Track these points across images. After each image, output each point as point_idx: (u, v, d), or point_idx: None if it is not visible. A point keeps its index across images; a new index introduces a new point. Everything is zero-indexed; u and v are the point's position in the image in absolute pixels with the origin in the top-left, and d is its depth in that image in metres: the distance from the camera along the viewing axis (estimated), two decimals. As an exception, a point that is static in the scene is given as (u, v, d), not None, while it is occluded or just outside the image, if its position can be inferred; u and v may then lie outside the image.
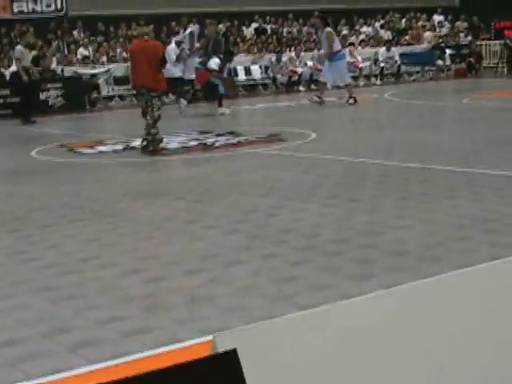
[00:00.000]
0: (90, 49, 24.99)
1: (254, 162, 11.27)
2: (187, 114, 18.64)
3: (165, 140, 12.93)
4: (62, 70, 23.06)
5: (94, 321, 4.86)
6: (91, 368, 4.14)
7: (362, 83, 26.32)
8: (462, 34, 31.11)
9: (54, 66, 23.05)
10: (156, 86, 12.74)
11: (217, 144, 13.30)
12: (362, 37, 29.36)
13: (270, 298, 5.12)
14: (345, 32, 29.16)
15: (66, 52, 24.82)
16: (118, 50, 24.91)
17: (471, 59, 29.22)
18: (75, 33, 26.27)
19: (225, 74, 20.60)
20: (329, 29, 19.85)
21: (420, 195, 8.10)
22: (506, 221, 6.83)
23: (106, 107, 22.26)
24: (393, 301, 2.28)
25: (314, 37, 27.66)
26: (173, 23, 26.97)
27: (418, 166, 9.84)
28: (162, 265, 6.05)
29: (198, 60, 20.14)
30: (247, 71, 25.49)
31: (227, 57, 21.14)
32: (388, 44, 28.14)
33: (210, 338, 1.86)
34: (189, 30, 22.61)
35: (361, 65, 26.79)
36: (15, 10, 25.40)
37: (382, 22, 31.82)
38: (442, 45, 29.26)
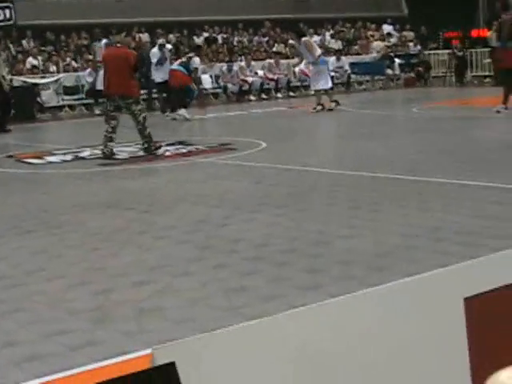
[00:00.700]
0: (40, 58, 24.79)
1: (205, 171, 11.25)
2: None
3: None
4: (11, 80, 22.81)
5: (41, 334, 4.80)
6: (36, 382, 4.08)
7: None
8: (410, 44, 31.43)
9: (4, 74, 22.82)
10: (129, 92, 12.98)
11: (167, 154, 13.26)
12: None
13: (219, 309, 5.10)
14: (290, 42, 29.40)
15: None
16: (68, 59, 24.73)
17: (420, 68, 29.54)
18: (24, 42, 26.04)
19: None
20: (304, 38, 20.30)
21: (369, 204, 8.14)
22: (454, 229, 6.88)
23: (55, 117, 22.05)
24: (339, 310, 2.28)
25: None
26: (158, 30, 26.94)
27: (368, 175, 9.89)
28: (110, 276, 6.00)
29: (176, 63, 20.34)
30: (198, 81, 25.45)
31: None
32: (338, 53, 28.33)
33: (150, 353, 1.83)
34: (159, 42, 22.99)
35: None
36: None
37: (331, 31, 32.04)
38: (392, 54, 29.53)
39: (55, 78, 23.26)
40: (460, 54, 27.84)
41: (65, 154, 13.89)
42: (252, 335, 2.07)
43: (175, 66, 20.73)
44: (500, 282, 2.41)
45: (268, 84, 26.42)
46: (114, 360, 4.26)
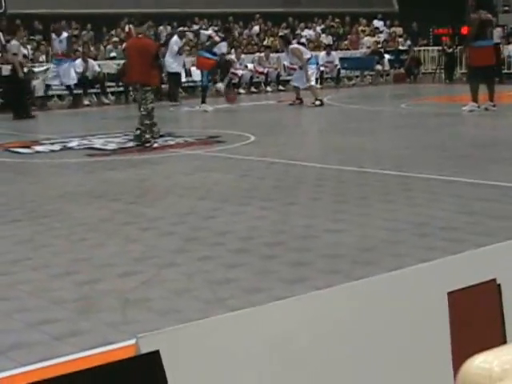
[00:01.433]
0: (29, 47, 24.68)
1: (192, 163, 11.25)
2: (126, 114, 18.55)
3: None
4: (0, 69, 22.71)
5: (26, 323, 4.80)
6: (21, 370, 4.08)
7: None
8: (400, 40, 31.46)
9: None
10: (149, 81, 13.71)
11: (155, 145, 13.24)
12: (302, 40, 29.48)
13: (204, 301, 5.11)
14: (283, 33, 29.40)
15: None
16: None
17: (410, 64, 29.58)
18: (14, 31, 25.92)
19: None
20: (292, 46, 20.70)
21: (356, 199, 8.17)
22: (439, 224, 6.92)
23: (43, 107, 21.96)
24: (323, 302, 2.29)
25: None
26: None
27: (355, 169, 9.92)
28: (96, 267, 6.00)
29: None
30: (187, 73, 25.39)
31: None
32: (328, 48, 28.33)
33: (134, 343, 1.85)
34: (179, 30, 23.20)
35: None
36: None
37: (322, 26, 32.05)
38: (381, 50, 29.56)
39: (44, 68, 23.14)
40: (450, 50, 27.88)
41: (53, 143, 13.85)
42: (236, 325, 2.08)
43: (202, 51, 20.98)
44: (483, 277, 2.43)
45: (258, 77, 26.40)
46: (98, 349, 4.27)
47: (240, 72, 25.79)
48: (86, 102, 22.55)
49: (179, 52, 22.46)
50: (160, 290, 5.37)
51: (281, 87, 26.63)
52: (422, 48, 31.45)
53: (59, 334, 4.59)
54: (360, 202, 8.00)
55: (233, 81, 25.56)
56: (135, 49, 13.98)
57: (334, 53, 28.22)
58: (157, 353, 1.79)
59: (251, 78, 26.02)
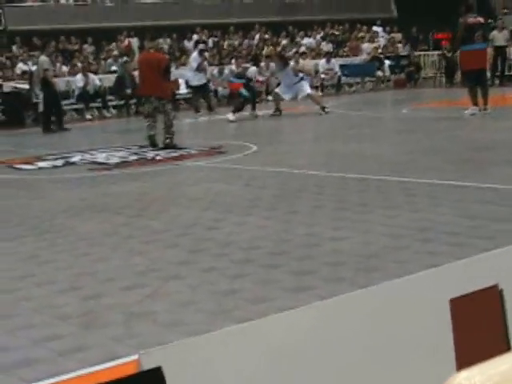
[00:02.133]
0: (30, 63, 24.74)
1: (195, 175, 11.26)
2: (128, 127, 18.59)
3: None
4: (1, 86, 22.79)
5: (30, 340, 4.80)
6: (27, 388, 4.08)
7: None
8: (399, 45, 31.48)
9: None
10: (161, 93, 14.38)
11: (158, 158, 13.26)
12: (302, 49, 29.53)
13: (209, 313, 5.11)
14: (284, 42, 29.49)
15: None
16: (58, 64, 24.69)
17: (410, 69, 29.61)
18: (14, 48, 26.01)
19: None
20: (292, 64, 20.93)
21: (358, 206, 8.16)
22: (442, 229, 6.91)
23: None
24: (328, 312, 2.29)
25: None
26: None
27: (356, 176, 9.92)
28: (100, 281, 6.00)
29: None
30: (188, 84, 25.40)
31: None
32: (328, 56, 28.35)
33: (137, 359, 1.84)
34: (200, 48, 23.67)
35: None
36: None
37: (322, 33, 32.08)
38: (381, 56, 29.58)
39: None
40: (449, 55, 27.89)
41: (55, 159, 13.86)
42: (238, 338, 2.08)
43: (232, 78, 23.02)
44: (485, 283, 2.43)
45: (258, 87, 26.40)
46: (102, 366, 4.26)
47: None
48: (88, 117, 22.58)
49: (198, 69, 22.70)
50: (165, 303, 5.37)
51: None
52: (422, 53, 31.47)
53: (64, 350, 4.59)
54: (362, 209, 8.00)
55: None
56: (146, 63, 14.63)
57: (333, 60, 28.25)
58: (159, 369, 1.79)
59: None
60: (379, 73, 28.82)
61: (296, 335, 2.20)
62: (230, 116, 19.26)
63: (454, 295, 2.39)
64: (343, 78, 28.38)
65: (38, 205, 9.50)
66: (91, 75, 23.34)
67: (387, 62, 29.32)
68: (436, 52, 30.37)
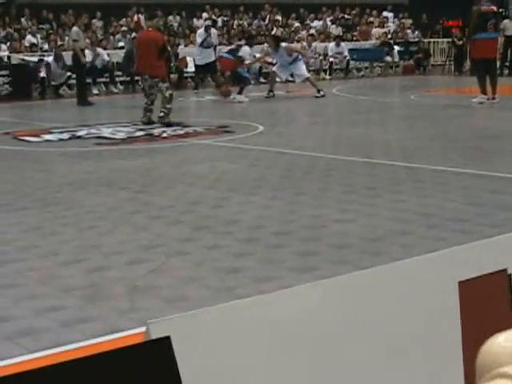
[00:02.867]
0: (38, 36, 24.69)
1: (201, 153, 11.25)
2: (134, 104, 18.53)
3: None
4: (9, 57, 22.74)
5: (34, 310, 4.81)
6: (30, 357, 4.09)
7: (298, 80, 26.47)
8: (409, 31, 31.34)
9: (1, 53, 22.75)
10: (156, 72, 14.40)
11: (164, 135, 13.25)
12: (311, 31, 29.44)
13: (212, 289, 5.11)
14: (297, 25, 29.40)
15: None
16: (67, 38, 24.60)
17: (419, 56, 29.51)
18: (23, 20, 25.94)
19: None
20: (284, 44, 20.96)
21: (364, 189, 8.16)
22: (447, 215, 6.91)
23: (53, 95, 21.97)
24: (335, 290, 2.29)
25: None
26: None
27: (363, 160, 9.90)
28: (104, 255, 6.00)
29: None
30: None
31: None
32: (338, 39, 28.25)
33: (145, 329, 1.84)
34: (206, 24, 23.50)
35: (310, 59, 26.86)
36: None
37: (331, 17, 31.96)
38: (391, 41, 29.47)
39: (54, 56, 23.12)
40: (459, 42, 27.77)
41: (62, 132, 13.85)
42: (246, 312, 2.08)
43: (223, 53, 22.17)
44: (494, 267, 2.42)
45: (266, 68, 26.32)
46: (107, 337, 4.27)
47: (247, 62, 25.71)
48: (96, 91, 22.54)
49: (202, 45, 22.46)
50: (168, 278, 5.37)
51: (290, 78, 26.56)
52: (432, 40, 31.34)
53: (67, 321, 4.60)
54: (368, 193, 7.99)
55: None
56: (144, 41, 14.81)
57: (343, 44, 28.14)
58: (167, 339, 1.79)
59: (260, 68, 25.94)
60: (388, 58, 28.73)
61: (301, 311, 2.20)
62: (239, 97, 19.26)
63: (462, 278, 2.38)
64: (352, 62, 28.28)
65: (43, 177, 9.50)
66: (100, 50, 23.28)
67: (396, 48, 29.20)
68: (446, 39, 30.24)
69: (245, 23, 29.78)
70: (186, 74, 24.70)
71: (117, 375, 1.70)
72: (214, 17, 29.40)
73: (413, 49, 29.91)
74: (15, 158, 11.16)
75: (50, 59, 22.00)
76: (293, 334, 2.12)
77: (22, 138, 13.22)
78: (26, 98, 20.99)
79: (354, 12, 32.99)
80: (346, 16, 32.60)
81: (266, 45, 26.47)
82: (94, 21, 26.58)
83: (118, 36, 25.48)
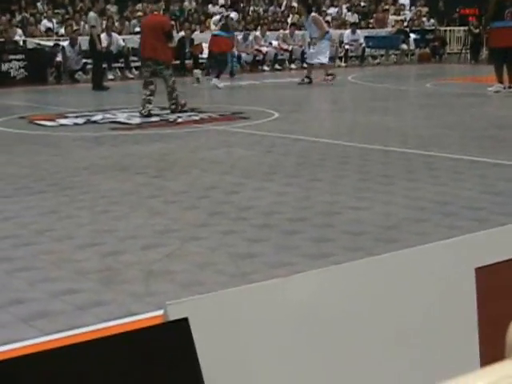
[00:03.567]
0: (54, 21, 24.71)
1: (216, 139, 11.25)
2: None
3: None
4: (25, 42, 22.77)
5: (49, 293, 4.83)
6: (45, 339, 4.11)
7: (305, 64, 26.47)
8: (424, 19, 31.20)
9: (17, 37, 22.77)
10: (162, 57, 13.78)
11: (179, 120, 13.26)
12: (327, 18, 29.35)
13: (227, 275, 5.13)
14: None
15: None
16: (82, 23, 24.62)
17: (435, 44, 29.39)
18: (39, 5, 25.96)
19: None
20: (313, 14, 20.43)
21: (379, 177, 8.14)
22: (463, 204, 6.89)
23: (69, 80, 22.01)
24: (348, 275, 2.29)
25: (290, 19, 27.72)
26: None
27: (379, 148, 9.89)
28: (120, 239, 6.02)
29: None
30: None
31: None
32: (353, 26, 28.17)
33: (163, 311, 1.85)
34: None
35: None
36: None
37: (348, 4, 31.87)
38: (407, 29, 29.36)
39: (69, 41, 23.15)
40: (476, 31, 27.65)
41: (77, 117, 13.89)
42: (261, 296, 2.09)
43: (216, 31, 21.55)
44: (511, 254, 2.42)
45: (282, 55, 26.30)
46: (122, 320, 4.29)
47: (265, 49, 25.71)
48: (111, 77, 22.55)
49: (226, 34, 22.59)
50: (183, 263, 5.39)
51: (305, 65, 26.54)
52: (448, 28, 31.20)
53: (82, 304, 4.62)
54: (384, 180, 7.98)
55: (257, 58, 25.51)
56: (149, 25, 14.18)
57: (359, 31, 28.07)
58: (185, 320, 1.80)
59: (275, 55, 25.92)
60: (404, 46, 28.62)
61: (318, 295, 2.20)
62: (216, 81, 19.40)
63: (479, 265, 2.38)
64: (367, 50, 28.19)
65: (59, 161, 9.52)
66: (115, 35, 23.27)
67: (412, 36, 29.10)
68: (462, 28, 30.10)
69: (260, 10, 29.70)
70: (201, 61, 24.66)
71: (135, 356, 1.71)
72: (229, 2, 29.38)
73: (429, 37, 29.78)
74: (31, 143, 11.19)
75: (65, 44, 22.02)
76: (306, 317, 2.13)
77: (37, 122, 13.25)
78: (42, 82, 21.02)
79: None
80: (362, 3, 32.49)
81: (282, 31, 26.46)
82: (108, 6, 26.55)
83: (134, 21, 25.45)
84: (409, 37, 28.85)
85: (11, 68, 21.04)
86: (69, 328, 4.23)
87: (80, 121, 13.38)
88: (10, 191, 7.81)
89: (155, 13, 15.06)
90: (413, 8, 32.39)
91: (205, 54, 24.45)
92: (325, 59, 20.34)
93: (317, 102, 17.24)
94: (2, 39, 21.70)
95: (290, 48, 26.30)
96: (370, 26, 30.42)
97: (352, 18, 30.36)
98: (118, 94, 18.99)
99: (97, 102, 16.98)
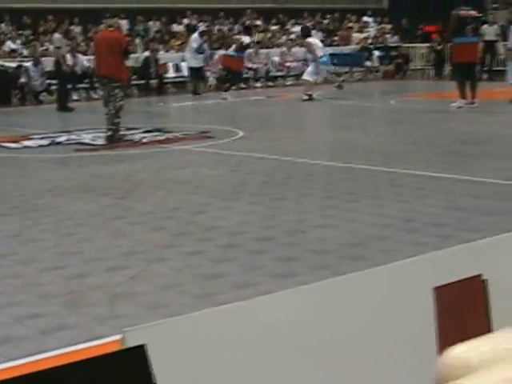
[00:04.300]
0: (18, 42, 24.60)
1: (182, 159, 11.24)
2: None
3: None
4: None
5: (13, 318, 4.79)
6: (8, 365, 4.07)
7: (289, 82, 26.51)
8: (388, 36, 31.45)
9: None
10: (118, 75, 13.10)
11: (144, 140, 13.23)
12: (292, 36, 29.49)
13: (192, 296, 5.11)
14: (274, 28, 29.51)
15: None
16: (47, 44, 24.54)
17: (399, 61, 29.62)
18: (3, 25, 25.84)
19: None
20: (307, 40, 21.24)
21: (344, 194, 8.18)
22: (427, 220, 6.94)
23: (33, 101, 21.89)
24: (312, 296, 2.29)
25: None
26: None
27: (344, 165, 9.93)
28: (84, 261, 5.99)
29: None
30: (177, 68, 25.35)
31: None
32: (318, 44, 28.32)
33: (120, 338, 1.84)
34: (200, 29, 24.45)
35: (290, 64, 26.90)
36: None
37: (312, 22, 32.04)
38: (371, 46, 29.56)
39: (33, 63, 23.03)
40: (439, 47, 27.90)
41: (42, 138, 13.81)
42: (225, 319, 2.08)
43: (230, 51, 22.41)
44: (469, 273, 2.43)
45: (247, 73, 26.36)
46: (85, 344, 4.26)
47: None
48: (76, 97, 22.47)
49: (198, 51, 22.86)
50: (148, 285, 5.37)
51: (270, 83, 26.62)
52: (412, 45, 31.46)
53: (46, 329, 4.58)
54: (349, 198, 8.01)
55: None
56: (104, 42, 13.36)
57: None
58: (142, 347, 1.79)
59: (241, 73, 25.96)
60: (368, 63, 28.82)
61: (279, 318, 2.20)
62: (225, 95, 20.28)
63: (437, 284, 2.39)
64: (332, 67, 28.31)
65: (23, 183, 9.46)
66: (79, 56, 23.20)
67: (376, 53, 29.30)
68: (425, 44, 30.36)
69: (225, 29, 29.77)
70: (166, 80, 24.68)
71: (92, 384, 1.70)
72: (194, 22, 29.42)
73: (393, 54, 29.99)
74: (-5, 165, 11.11)
75: (29, 65, 21.91)
76: (272, 341, 2.13)
77: (1, 144, 13.16)
78: (5, 103, 20.90)
79: (331, 16, 33.13)
80: (326, 21, 32.70)
81: (247, 50, 26.53)
82: (72, 27, 26.50)
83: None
84: (373, 54, 29.05)
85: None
86: (33, 353, 4.19)
87: (45, 142, 13.31)
88: (-27, 215, 7.75)
89: (110, 29, 13.84)
90: (375, 25, 32.62)
91: (170, 74, 24.51)
92: (308, 76, 20.73)
93: (282, 120, 17.29)
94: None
95: (255, 66, 26.38)
96: (335, 43, 30.60)
97: (316, 36, 30.50)
98: (83, 115, 18.92)
99: (62, 124, 16.91)
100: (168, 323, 1.95)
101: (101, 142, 13.18)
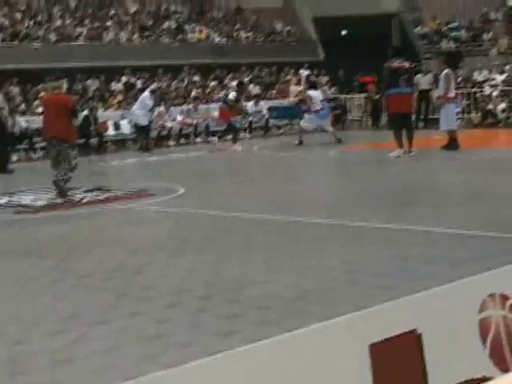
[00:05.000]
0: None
1: (122, 217, 11.20)
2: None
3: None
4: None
5: (-49, 389, 4.70)
6: None
7: (230, 136, 26.67)
8: (325, 88, 31.86)
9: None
10: (68, 136, 13.48)
11: (84, 200, 13.15)
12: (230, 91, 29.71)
13: (135, 358, 5.06)
14: (213, 84, 29.71)
15: None
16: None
17: (338, 112, 29.98)
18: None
19: None
20: (308, 92, 23.36)
21: (287, 248, 8.20)
22: (371, 271, 6.98)
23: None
24: (250, 357, 2.30)
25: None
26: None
27: (286, 218, 9.98)
28: (24, 327, 5.90)
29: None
30: (116, 126, 25.35)
31: None
32: (256, 98, 28.60)
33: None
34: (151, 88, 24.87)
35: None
36: None
37: (250, 76, 32.38)
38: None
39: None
40: (375, 97, 28.34)
41: (-20, 201, 13.65)
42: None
43: (221, 104, 23.48)
44: (403, 328, 2.47)
45: (186, 129, 26.44)
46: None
47: (169, 124, 25.80)
48: (15, 158, 22.30)
49: (153, 109, 23.24)
50: (89, 349, 5.30)
51: (210, 138, 26.73)
52: (349, 96, 31.93)
53: (-14, 399, 4.50)
54: (291, 251, 8.04)
55: (162, 133, 25.60)
56: (53, 104, 13.70)
57: (262, 102, 28.50)
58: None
59: (180, 129, 26.06)
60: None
61: (219, 381, 2.21)
62: (235, 146, 21.45)
63: (373, 340, 2.42)
64: (271, 121, 28.59)
65: (-39, 249, 9.32)
66: (17, 117, 23.09)
67: (315, 105, 29.61)
68: (362, 95, 30.84)
69: (164, 85, 29.91)
70: (105, 138, 24.65)
71: None
72: (133, 79, 29.52)
73: (331, 105, 30.37)
74: None
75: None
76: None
77: None
78: None
79: (268, 70, 33.55)
80: (262, 75, 33.09)
81: (186, 106, 26.67)
82: (10, 87, 26.39)
83: (37, 102, 25.30)
84: (311, 106, 29.36)
85: None
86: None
87: (-17, 205, 13.15)
88: None
89: (56, 91, 14.31)
90: (312, 77, 33.02)
91: (110, 132, 24.50)
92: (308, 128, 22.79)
93: (222, 175, 17.36)
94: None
95: (195, 122, 26.48)
96: (273, 96, 30.92)
97: (254, 89, 30.81)
98: (23, 176, 18.76)
99: (1, 186, 16.74)
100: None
101: (41, 203, 13.08)
